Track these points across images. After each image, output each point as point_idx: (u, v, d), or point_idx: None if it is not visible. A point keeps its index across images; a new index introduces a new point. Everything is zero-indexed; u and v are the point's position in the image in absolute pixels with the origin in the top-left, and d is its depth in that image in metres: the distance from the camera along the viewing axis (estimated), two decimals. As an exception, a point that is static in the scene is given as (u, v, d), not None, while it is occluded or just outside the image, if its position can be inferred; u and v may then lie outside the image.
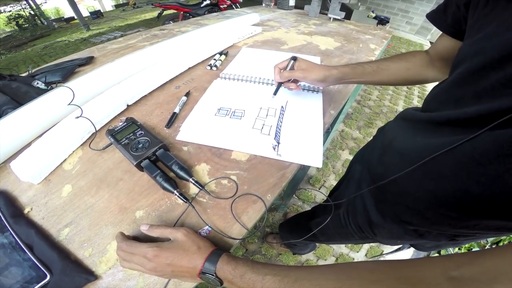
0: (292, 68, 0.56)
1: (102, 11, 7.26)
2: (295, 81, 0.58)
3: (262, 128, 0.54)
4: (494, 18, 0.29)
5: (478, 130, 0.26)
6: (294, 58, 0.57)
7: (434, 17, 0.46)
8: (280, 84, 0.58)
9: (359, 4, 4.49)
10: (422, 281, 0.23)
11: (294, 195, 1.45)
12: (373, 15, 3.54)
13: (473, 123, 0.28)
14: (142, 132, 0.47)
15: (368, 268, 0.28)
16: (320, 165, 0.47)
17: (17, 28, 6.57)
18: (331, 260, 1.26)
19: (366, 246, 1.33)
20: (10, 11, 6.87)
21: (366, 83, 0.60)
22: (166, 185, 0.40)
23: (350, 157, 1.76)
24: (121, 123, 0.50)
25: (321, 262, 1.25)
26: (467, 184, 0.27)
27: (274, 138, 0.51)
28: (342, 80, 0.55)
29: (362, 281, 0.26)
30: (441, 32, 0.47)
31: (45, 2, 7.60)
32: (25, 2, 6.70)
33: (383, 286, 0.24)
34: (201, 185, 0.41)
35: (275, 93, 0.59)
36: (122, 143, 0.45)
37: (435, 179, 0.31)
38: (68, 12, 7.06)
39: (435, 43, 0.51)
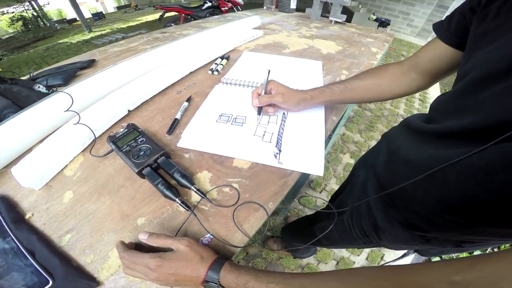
0: (266, 89, 0.56)
1: (104, 12, 7.30)
2: (272, 104, 0.57)
3: (264, 135, 0.54)
4: (508, 30, 0.29)
5: (482, 142, 0.26)
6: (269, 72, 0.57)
7: (438, 27, 0.45)
8: (260, 108, 0.57)
9: (360, 6, 4.50)
10: (424, 286, 0.24)
11: (295, 200, 1.44)
12: (374, 17, 3.56)
13: (477, 136, 0.28)
14: (144, 139, 0.47)
15: (369, 274, 0.29)
16: (321, 174, 0.46)
17: (20, 29, 6.61)
18: (331, 264, 1.26)
19: (367, 250, 1.32)
20: (13, 12, 6.91)
21: (338, 103, 0.60)
22: (167, 193, 0.40)
23: (351, 161, 1.76)
24: (122, 129, 0.49)
25: (321, 266, 1.24)
26: (475, 190, 0.27)
27: (276, 146, 0.51)
28: (312, 102, 0.56)
29: None
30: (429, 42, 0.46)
31: (48, 4, 7.66)
32: (28, 3, 6.74)
33: None
34: (203, 193, 0.41)
35: (259, 113, 0.57)
36: (124, 150, 0.45)
37: (442, 186, 0.32)
38: (71, 14, 7.10)
39: (419, 54, 0.49)
